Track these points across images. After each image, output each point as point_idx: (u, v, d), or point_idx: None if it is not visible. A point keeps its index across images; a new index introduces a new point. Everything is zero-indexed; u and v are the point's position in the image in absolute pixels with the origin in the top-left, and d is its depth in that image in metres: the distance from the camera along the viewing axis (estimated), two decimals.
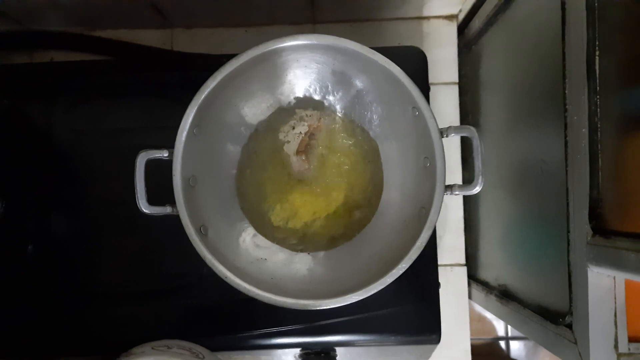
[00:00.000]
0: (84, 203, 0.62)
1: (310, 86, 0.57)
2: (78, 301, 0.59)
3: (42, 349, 0.59)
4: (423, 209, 0.49)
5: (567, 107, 0.49)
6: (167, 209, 0.49)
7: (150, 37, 0.74)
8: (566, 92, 0.49)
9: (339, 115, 0.58)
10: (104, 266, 0.61)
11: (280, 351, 0.61)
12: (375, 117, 0.57)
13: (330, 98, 0.58)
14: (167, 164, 0.49)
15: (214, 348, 0.57)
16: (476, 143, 0.48)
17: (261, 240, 0.57)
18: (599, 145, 0.45)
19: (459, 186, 0.49)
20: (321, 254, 0.57)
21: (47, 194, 0.61)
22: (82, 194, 0.62)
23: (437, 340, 0.58)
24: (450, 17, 0.76)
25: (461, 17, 0.77)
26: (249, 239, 0.56)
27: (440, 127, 0.48)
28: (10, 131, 0.62)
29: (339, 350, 0.59)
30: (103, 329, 0.59)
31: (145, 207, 0.49)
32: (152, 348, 0.53)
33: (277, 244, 0.57)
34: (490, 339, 1.01)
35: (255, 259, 0.54)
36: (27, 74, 0.67)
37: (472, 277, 0.78)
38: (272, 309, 0.48)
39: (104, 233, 0.61)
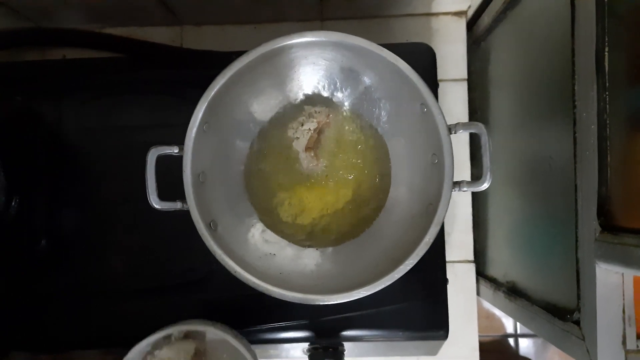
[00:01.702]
0: (95, 199, 0.62)
1: (318, 83, 0.57)
2: (88, 296, 0.60)
3: (52, 343, 0.60)
4: (431, 205, 0.49)
5: (576, 103, 0.49)
6: (177, 205, 0.50)
7: (160, 35, 0.74)
8: (575, 88, 0.49)
9: (348, 111, 0.58)
10: (114, 262, 0.61)
11: (288, 345, 0.61)
12: (383, 113, 0.57)
13: (339, 94, 0.58)
14: (177, 161, 0.49)
15: None
16: (484, 139, 0.48)
17: (270, 235, 0.57)
18: (608, 142, 0.45)
19: (467, 183, 0.49)
20: (329, 249, 0.57)
21: (59, 190, 0.62)
22: (93, 190, 0.62)
23: (445, 336, 0.58)
24: (459, 14, 0.75)
25: (470, 13, 0.76)
26: (258, 235, 0.57)
27: (448, 123, 0.48)
28: (22, 128, 0.63)
29: (346, 346, 0.59)
30: (113, 323, 0.60)
31: (156, 203, 0.49)
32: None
33: (286, 239, 0.57)
34: (498, 336, 1.01)
35: (264, 254, 0.55)
36: (39, 71, 0.67)
37: (481, 274, 0.78)
38: (281, 304, 0.48)
39: (114, 229, 0.62)
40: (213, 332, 0.55)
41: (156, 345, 0.56)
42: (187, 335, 0.57)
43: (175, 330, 0.55)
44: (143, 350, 0.55)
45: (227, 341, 0.54)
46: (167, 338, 0.56)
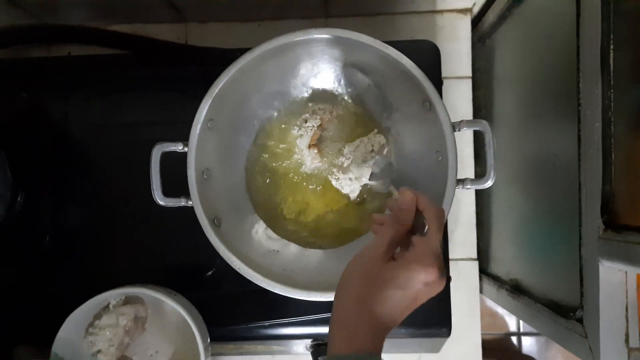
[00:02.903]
0: (100, 196, 0.63)
1: (322, 79, 0.57)
2: (92, 291, 0.60)
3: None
4: None
5: (580, 101, 0.49)
6: (182, 201, 0.50)
7: (165, 32, 0.74)
8: (580, 86, 0.49)
9: (351, 108, 0.58)
10: (119, 258, 0.62)
11: (291, 342, 0.61)
12: (387, 110, 0.57)
13: (343, 91, 0.58)
14: (181, 158, 0.49)
15: (226, 338, 0.58)
16: (488, 137, 0.48)
17: (273, 232, 0.57)
18: (612, 140, 0.45)
19: (471, 180, 0.49)
20: (333, 247, 0.57)
21: (64, 186, 0.62)
22: (98, 187, 0.63)
23: (448, 333, 0.58)
24: (464, 11, 0.75)
25: (475, 10, 0.76)
26: (262, 231, 0.57)
27: (452, 121, 0.48)
28: (28, 124, 0.64)
29: None
30: None
31: (160, 199, 0.50)
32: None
33: (289, 237, 0.57)
34: (501, 334, 1.01)
35: (268, 251, 0.55)
36: (44, 68, 0.68)
37: (484, 272, 0.78)
38: (284, 300, 0.49)
39: (118, 225, 0.62)
40: (149, 295, 0.55)
41: (97, 316, 0.57)
42: (127, 302, 0.58)
43: (111, 296, 0.56)
44: (82, 323, 0.56)
45: (167, 302, 0.54)
46: (106, 307, 0.57)
